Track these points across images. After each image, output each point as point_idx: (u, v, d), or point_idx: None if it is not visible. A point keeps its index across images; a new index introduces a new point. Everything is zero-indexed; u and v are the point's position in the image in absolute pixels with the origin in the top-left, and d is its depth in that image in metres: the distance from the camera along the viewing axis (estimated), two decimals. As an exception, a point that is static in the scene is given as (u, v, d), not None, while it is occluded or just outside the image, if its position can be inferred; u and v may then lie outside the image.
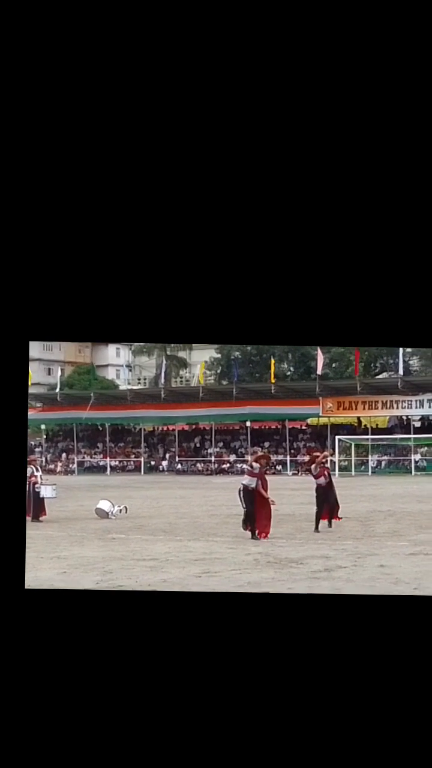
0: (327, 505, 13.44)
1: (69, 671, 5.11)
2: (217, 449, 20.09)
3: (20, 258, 5.13)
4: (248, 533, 12.52)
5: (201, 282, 5.20)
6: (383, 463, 22.34)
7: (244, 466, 13.71)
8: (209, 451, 22.52)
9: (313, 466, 14.31)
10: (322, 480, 13.81)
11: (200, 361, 26.04)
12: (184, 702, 5.08)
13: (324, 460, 14.79)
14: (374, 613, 5.18)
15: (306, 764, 5.04)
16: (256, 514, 12.75)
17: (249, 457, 14.27)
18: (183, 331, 5.31)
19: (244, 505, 12.77)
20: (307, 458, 22.70)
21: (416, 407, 22.09)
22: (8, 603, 5.14)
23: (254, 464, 13.41)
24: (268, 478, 13.31)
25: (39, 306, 5.20)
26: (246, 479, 13.08)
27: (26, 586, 5.16)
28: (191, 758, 5.04)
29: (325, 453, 16.49)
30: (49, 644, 5.11)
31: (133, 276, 5.21)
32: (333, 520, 13.42)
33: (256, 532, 12.58)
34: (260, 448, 18.57)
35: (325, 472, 14.06)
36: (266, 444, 23.45)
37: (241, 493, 12.88)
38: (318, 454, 16.05)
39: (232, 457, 22.24)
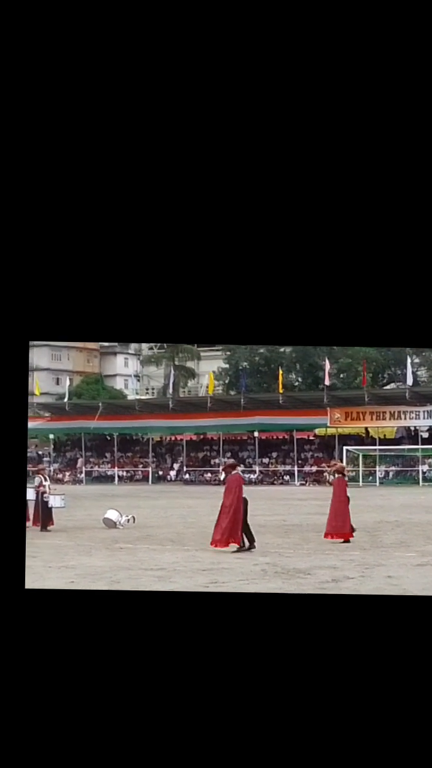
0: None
1: (69, 671, 5.13)
2: (225, 459, 20.09)
3: (20, 258, 5.14)
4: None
5: (201, 282, 5.21)
6: (391, 474, 22.32)
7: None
8: (217, 461, 22.52)
9: (336, 476, 14.00)
10: None
11: (208, 371, 26.08)
12: (185, 704, 5.09)
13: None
14: (379, 617, 5.19)
15: (307, 766, 5.04)
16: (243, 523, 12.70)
17: (222, 470, 13.94)
18: (184, 331, 5.31)
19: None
20: (314, 469, 22.78)
21: (424, 418, 22.06)
22: (8, 603, 5.14)
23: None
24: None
25: (39, 306, 5.20)
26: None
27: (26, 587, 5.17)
28: (192, 759, 5.04)
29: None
30: (50, 645, 5.11)
31: (133, 275, 5.22)
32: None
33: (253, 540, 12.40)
34: (226, 459, 18.29)
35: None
36: (274, 454, 23.45)
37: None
38: (342, 465, 15.91)
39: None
